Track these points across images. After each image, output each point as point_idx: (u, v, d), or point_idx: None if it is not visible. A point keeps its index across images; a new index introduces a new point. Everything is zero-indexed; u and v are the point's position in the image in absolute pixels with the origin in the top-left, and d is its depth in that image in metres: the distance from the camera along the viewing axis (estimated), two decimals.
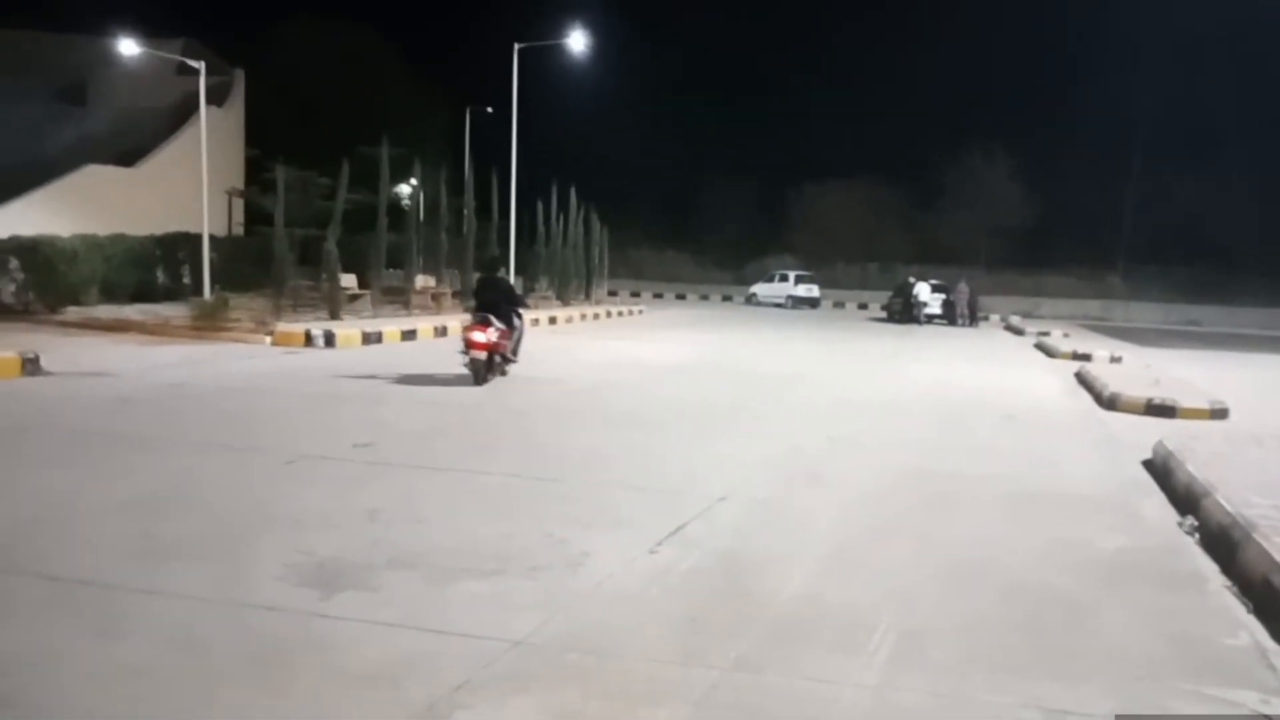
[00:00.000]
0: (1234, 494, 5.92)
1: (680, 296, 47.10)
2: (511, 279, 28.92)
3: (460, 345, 11.74)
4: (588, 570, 4.80)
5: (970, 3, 54.78)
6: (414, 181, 26.42)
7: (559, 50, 29.43)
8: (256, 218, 26.66)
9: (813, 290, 41.79)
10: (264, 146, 28.36)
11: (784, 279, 42.37)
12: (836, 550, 5.34)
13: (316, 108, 36.40)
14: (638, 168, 52.61)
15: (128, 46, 23.53)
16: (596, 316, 27.55)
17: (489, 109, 35.44)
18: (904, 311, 32.40)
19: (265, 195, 22.70)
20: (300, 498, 5.97)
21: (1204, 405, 11.11)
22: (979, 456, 8.28)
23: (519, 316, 12.58)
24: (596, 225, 34.41)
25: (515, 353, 12.43)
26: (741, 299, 44.35)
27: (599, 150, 51.35)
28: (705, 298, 47.38)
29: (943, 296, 32.85)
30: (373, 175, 22.35)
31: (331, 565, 4.69)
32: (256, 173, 27.88)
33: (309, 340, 15.71)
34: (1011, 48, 51.96)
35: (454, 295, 25.08)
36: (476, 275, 14.84)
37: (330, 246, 19.52)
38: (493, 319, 11.65)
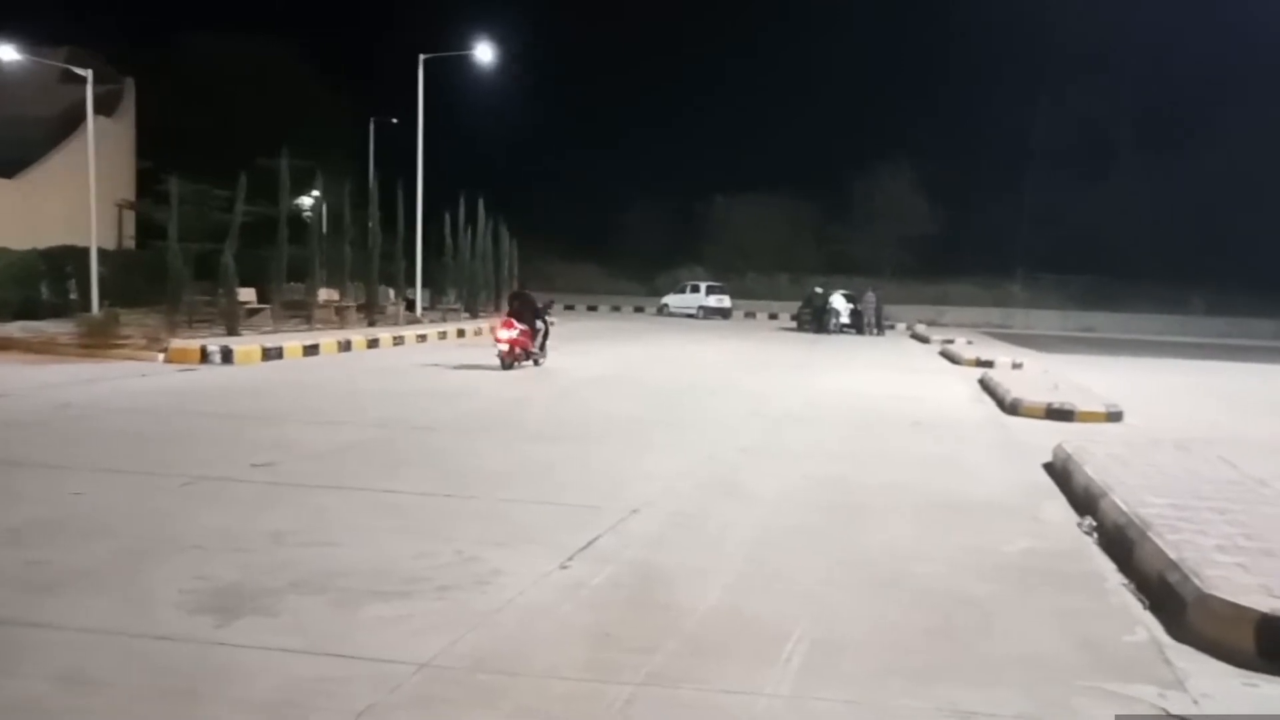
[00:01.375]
0: (1130, 494, 6.12)
1: (592, 308, 47.05)
2: (418, 292, 28.92)
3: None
4: (498, 588, 4.70)
5: (876, 20, 56.33)
6: (316, 193, 25.82)
7: (467, 61, 29.26)
8: (150, 231, 25.68)
9: (724, 301, 42.21)
10: (159, 158, 27.36)
11: (695, 290, 42.70)
12: (751, 561, 5.33)
13: (215, 118, 35.28)
14: (549, 179, 52.65)
15: (7, 53, 22.46)
16: None
17: (394, 120, 34.94)
18: (814, 321, 32.95)
19: (158, 208, 21.86)
20: (199, 521, 5.72)
21: (1100, 409, 11.52)
22: (889, 464, 8.41)
23: (544, 322, 16.51)
24: (506, 237, 34.16)
25: (542, 349, 16.32)
26: (653, 310, 44.53)
27: (509, 162, 51.23)
28: (617, 309, 47.44)
29: (851, 306, 33.52)
30: (273, 187, 21.73)
31: (232, 591, 4.50)
32: (150, 185, 26.89)
33: (205, 357, 15.14)
34: (917, 63, 53.60)
35: (358, 309, 24.54)
36: (510, 292, 20.38)
37: (227, 259, 18.87)
38: (515, 321, 15.57)
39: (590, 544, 5.47)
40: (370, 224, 25.86)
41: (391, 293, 27.90)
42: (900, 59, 54.00)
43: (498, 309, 32.50)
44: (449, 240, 30.68)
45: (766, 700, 3.57)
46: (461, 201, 30.91)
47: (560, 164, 53.72)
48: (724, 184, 52.63)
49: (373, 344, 19.23)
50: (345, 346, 18.14)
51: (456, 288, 31.42)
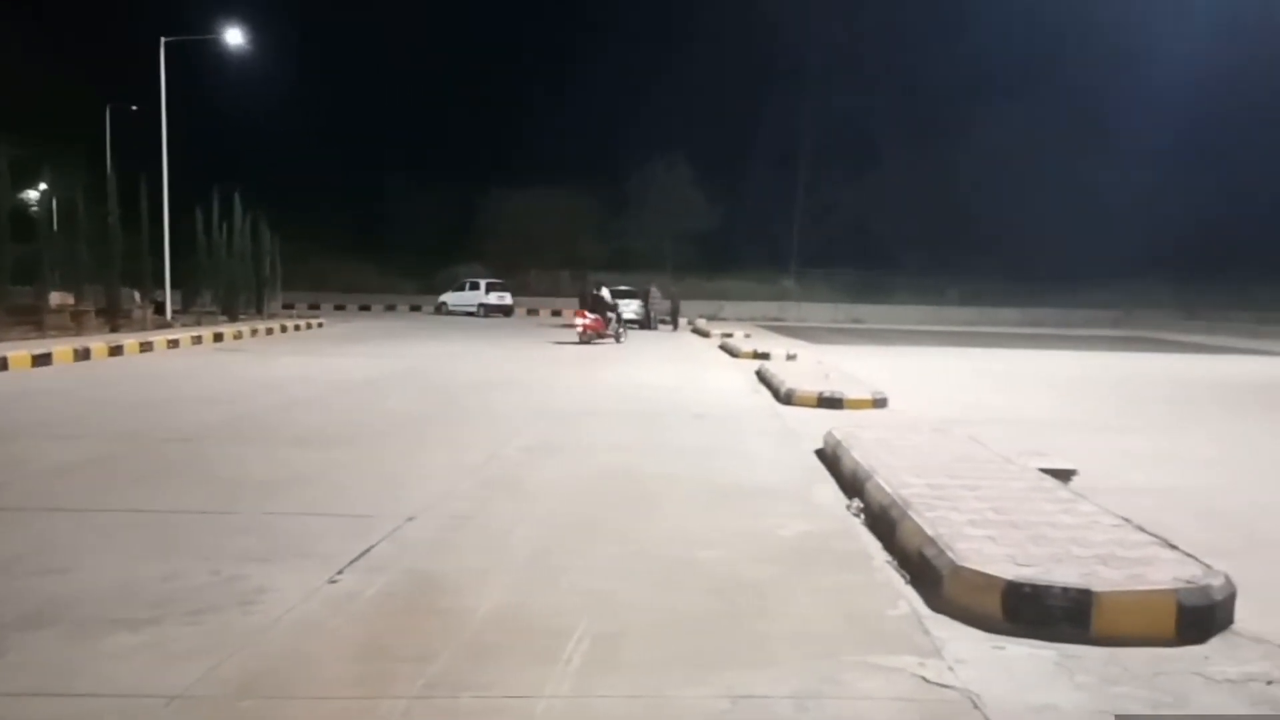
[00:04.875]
0: (892, 476, 6.47)
1: (365, 307, 45.52)
2: (168, 294, 27.32)
3: None
4: (262, 607, 4.36)
5: (650, 16, 57.59)
6: (44, 186, 23.49)
7: (217, 46, 27.57)
8: None
9: (505, 298, 41.84)
10: None
11: (475, 287, 42.06)
12: (535, 559, 5.23)
13: None
14: (316, 173, 50.49)
15: None
16: (270, 331, 25.84)
17: (134, 107, 32.36)
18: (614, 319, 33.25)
19: None
20: None
21: (867, 396, 12.21)
22: (672, 455, 8.53)
23: (614, 311, 24.89)
24: (267, 234, 32.31)
25: (617, 337, 24.43)
26: (431, 308, 43.57)
27: (270, 155, 48.72)
28: (392, 308, 46.09)
29: (637, 302, 34.04)
30: None
31: None
32: None
33: None
34: (693, 58, 55.15)
35: (98, 313, 22.45)
36: (589, 290, 26.41)
37: None
38: (587, 313, 23.78)
39: (364, 554, 5.19)
40: (110, 219, 23.74)
41: (138, 295, 25.80)
42: (675, 55, 55.54)
43: (260, 311, 30.89)
44: (203, 238, 28.73)
45: (547, 701, 3.49)
46: (215, 196, 28.99)
47: (328, 157, 51.72)
48: (503, 178, 52.37)
49: (116, 351, 17.64)
50: (84, 355, 16.55)
51: (213, 289, 29.46)
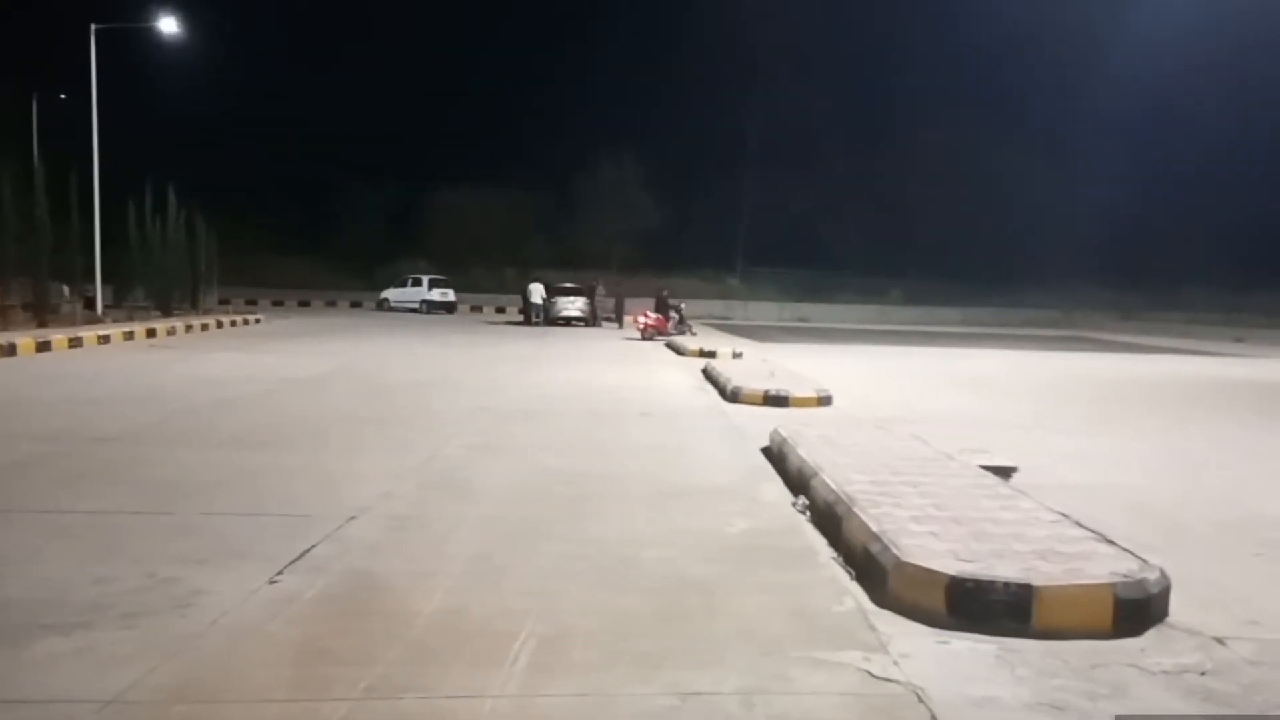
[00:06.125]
0: (837, 473, 6.52)
1: (304, 303, 44.74)
2: (98, 289, 26.64)
3: None
4: (199, 610, 4.25)
5: (597, 14, 57.50)
6: None
7: (153, 35, 26.89)
8: None
9: (448, 295, 41.38)
10: None
11: (418, 283, 41.51)
12: (479, 560, 5.16)
13: None
14: (255, 168, 49.53)
15: None
16: (205, 328, 25.28)
17: (63, 95, 31.43)
18: (540, 313, 33.15)
19: None
20: None
21: (812, 394, 12.30)
22: (618, 455, 8.50)
23: (677, 312, 27.66)
24: (203, 228, 31.58)
25: (680, 331, 26.50)
26: (373, 305, 42.97)
27: (208, 148, 47.70)
28: (333, 304, 45.37)
29: (583, 299, 33.97)
30: None
31: None
32: None
33: None
34: (642, 58, 55.24)
35: (25, 308, 21.67)
36: (657, 298, 28.97)
37: None
38: (650, 313, 26.70)
39: (303, 555, 5.08)
40: (38, 211, 23.00)
41: (67, 290, 25.05)
42: (624, 54, 55.58)
43: (195, 307, 30.23)
44: (135, 231, 27.95)
45: (492, 702, 3.45)
46: (147, 189, 28.26)
47: (270, 151, 50.74)
48: (449, 174, 51.85)
49: (44, 347, 17.13)
50: (9, 351, 16.04)
51: (146, 284, 28.73)
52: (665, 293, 30.09)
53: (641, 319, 26.74)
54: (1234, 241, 46.09)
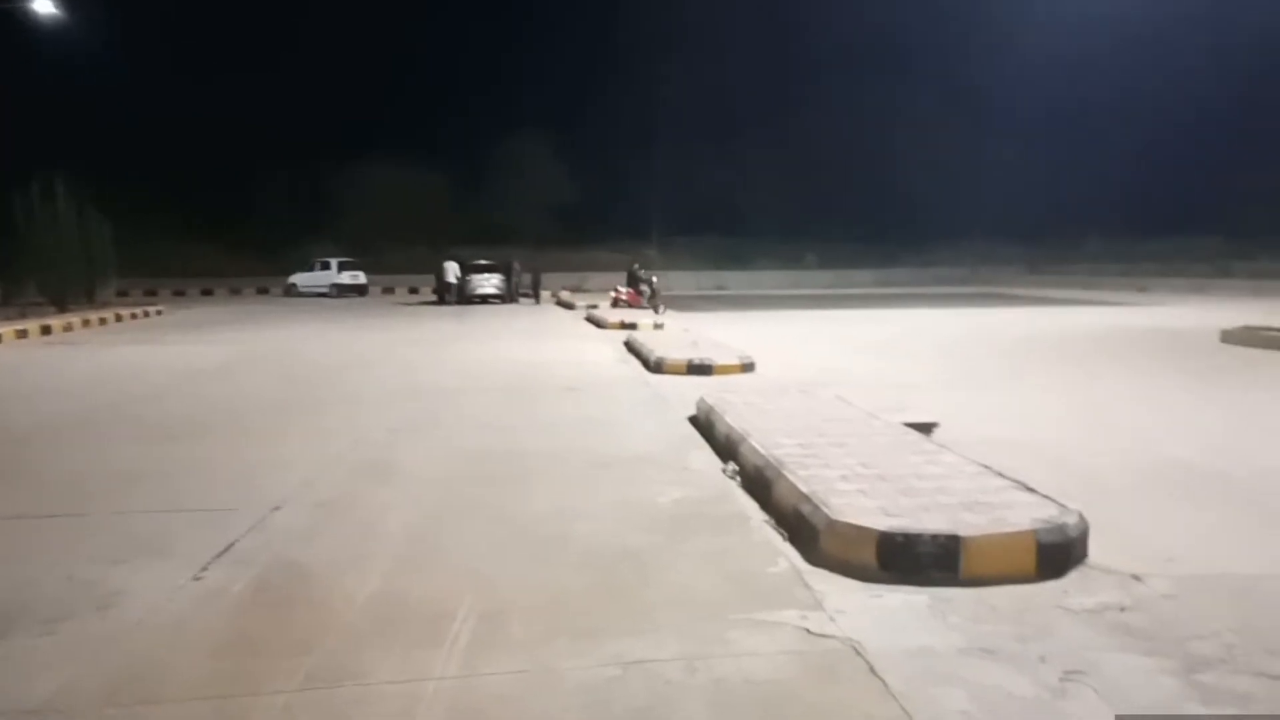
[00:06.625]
0: (764, 438, 6.59)
1: (207, 292, 43.39)
2: None
3: None
4: (122, 611, 4.12)
5: None
6: None
7: (33, 17, 25.52)
8: None
9: (359, 277, 40.52)
10: None
11: (326, 266, 40.46)
12: (412, 543, 5.09)
13: None
14: (148, 153, 47.59)
15: None
16: (104, 321, 24.29)
17: None
18: (456, 292, 32.69)
19: None
20: None
21: (735, 361, 12.41)
22: (545, 430, 8.45)
23: (649, 285, 28.37)
24: (96, 219, 30.27)
25: (656, 308, 25.55)
26: (280, 291, 41.87)
27: (98, 134, 45.70)
28: (237, 292, 44.06)
29: (499, 276, 33.59)
30: None
31: None
32: None
33: None
34: (554, 29, 54.56)
35: None
36: (632, 265, 30.29)
37: None
38: (622, 288, 28.23)
39: (228, 548, 4.95)
40: None
41: None
42: (536, 25, 54.92)
43: (91, 300, 29.02)
44: (23, 224, 26.68)
45: (435, 684, 3.42)
46: (33, 180, 26.96)
47: (163, 134, 48.81)
48: (356, 154, 50.58)
49: None
50: None
51: (38, 279, 27.50)
52: (636, 266, 30.80)
53: (613, 293, 28.59)
54: (1129, 192, 47.85)
